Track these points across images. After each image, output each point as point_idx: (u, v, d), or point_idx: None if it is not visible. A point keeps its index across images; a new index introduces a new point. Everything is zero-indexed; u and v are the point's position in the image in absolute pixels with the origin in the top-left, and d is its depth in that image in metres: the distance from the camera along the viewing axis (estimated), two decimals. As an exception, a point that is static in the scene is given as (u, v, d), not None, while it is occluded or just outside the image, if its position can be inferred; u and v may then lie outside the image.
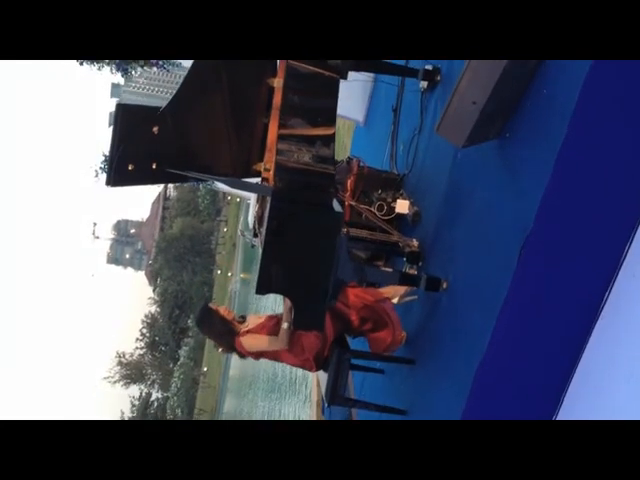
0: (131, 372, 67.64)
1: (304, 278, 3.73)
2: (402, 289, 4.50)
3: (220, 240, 65.61)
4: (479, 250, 3.62)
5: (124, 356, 67.98)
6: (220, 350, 4.51)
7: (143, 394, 68.15)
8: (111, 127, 3.91)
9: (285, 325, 4.07)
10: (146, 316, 68.90)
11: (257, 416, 26.61)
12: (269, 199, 3.78)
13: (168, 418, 61.07)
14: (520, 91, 3.26)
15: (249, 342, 4.25)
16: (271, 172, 4.03)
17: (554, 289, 3.08)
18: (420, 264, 4.50)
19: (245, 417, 31.17)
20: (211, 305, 4.47)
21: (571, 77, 2.84)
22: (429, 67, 4.84)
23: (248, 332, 4.28)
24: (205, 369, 58.84)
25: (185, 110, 4.23)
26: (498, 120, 3.42)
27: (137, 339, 68.53)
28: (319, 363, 4.36)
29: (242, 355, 4.36)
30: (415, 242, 4.57)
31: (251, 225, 4.41)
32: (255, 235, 4.78)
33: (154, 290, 70.52)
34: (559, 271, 3.04)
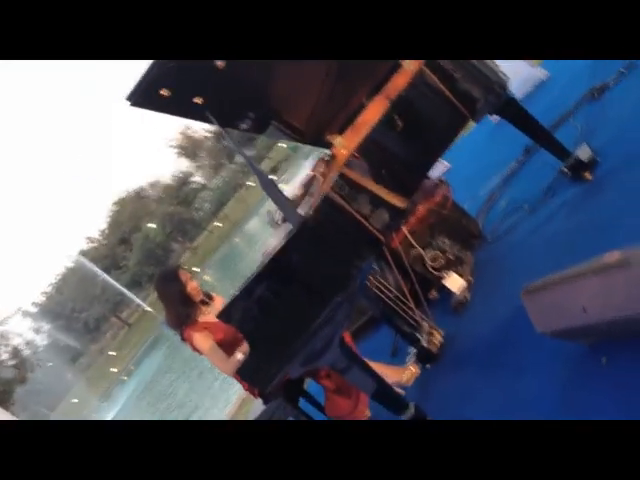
0: (188, 146, 68.97)
1: (275, 332, 2.93)
2: (399, 376, 3.70)
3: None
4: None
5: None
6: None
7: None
8: None
9: (239, 356, 3.37)
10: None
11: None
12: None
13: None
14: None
15: (200, 343, 3.62)
16: (346, 153, 3.22)
17: None
18: (427, 367, 3.65)
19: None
20: (181, 272, 3.71)
21: None
22: (586, 153, 3.63)
23: (206, 329, 3.58)
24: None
25: None
26: (602, 334, 2.44)
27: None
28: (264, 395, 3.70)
29: (184, 341, 3.69)
30: (439, 337, 3.68)
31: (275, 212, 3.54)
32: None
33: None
34: None
